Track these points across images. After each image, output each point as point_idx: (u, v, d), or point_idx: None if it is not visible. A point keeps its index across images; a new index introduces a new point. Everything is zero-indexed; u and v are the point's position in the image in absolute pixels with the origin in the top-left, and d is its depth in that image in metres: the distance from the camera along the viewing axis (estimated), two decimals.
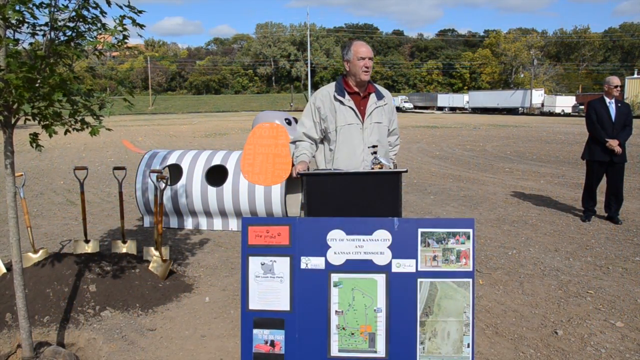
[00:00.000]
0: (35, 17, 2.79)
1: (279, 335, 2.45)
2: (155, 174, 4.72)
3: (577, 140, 18.85)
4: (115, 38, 2.99)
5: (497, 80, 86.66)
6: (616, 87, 6.50)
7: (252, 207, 6.26)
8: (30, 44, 3.02)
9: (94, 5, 2.96)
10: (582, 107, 47.40)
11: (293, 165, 3.39)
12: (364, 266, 2.44)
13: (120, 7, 2.94)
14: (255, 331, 2.47)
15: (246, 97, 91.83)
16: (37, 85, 2.74)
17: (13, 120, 2.88)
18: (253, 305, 2.48)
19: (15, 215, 2.96)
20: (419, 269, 2.42)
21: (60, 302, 3.85)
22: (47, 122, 2.94)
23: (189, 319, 3.89)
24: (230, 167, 6.37)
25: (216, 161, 6.48)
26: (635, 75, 49.72)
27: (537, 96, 55.21)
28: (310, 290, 2.45)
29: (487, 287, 4.49)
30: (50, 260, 4.17)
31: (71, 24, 2.91)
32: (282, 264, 2.46)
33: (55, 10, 2.82)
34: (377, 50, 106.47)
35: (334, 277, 2.45)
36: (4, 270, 4.27)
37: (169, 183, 5.90)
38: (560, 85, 76.69)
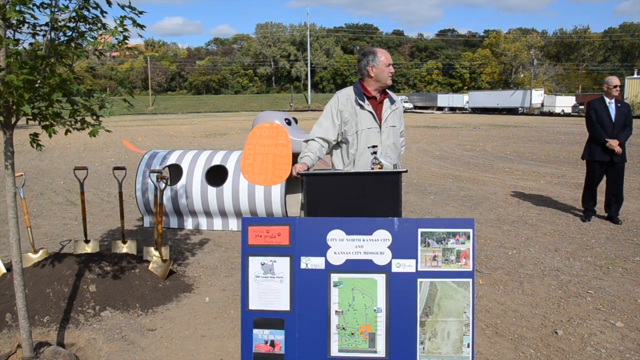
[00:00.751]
0: (35, 18, 2.79)
1: (279, 335, 2.45)
2: (155, 174, 4.72)
3: (577, 140, 18.85)
4: (116, 38, 2.99)
5: (497, 80, 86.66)
6: (615, 87, 6.50)
7: (252, 207, 6.26)
8: (31, 44, 3.02)
9: (95, 5, 2.96)
10: (582, 107, 47.40)
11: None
12: (364, 266, 2.44)
13: (122, 8, 2.94)
14: (255, 331, 2.47)
15: (246, 97, 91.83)
16: (37, 85, 2.74)
17: (13, 121, 2.88)
18: (253, 305, 2.48)
19: (15, 215, 2.96)
20: (419, 269, 2.43)
21: (60, 302, 3.85)
22: (47, 122, 2.94)
23: (189, 319, 3.89)
24: (230, 167, 6.37)
25: (216, 161, 6.48)
26: (635, 75, 49.72)
27: (537, 96, 55.19)
28: (310, 290, 2.45)
29: (487, 287, 4.49)
30: (50, 260, 4.17)
31: (71, 24, 2.91)
32: (282, 264, 2.47)
33: (56, 10, 2.82)
34: None
35: (334, 277, 2.45)
36: (4, 270, 4.27)
37: (169, 183, 5.90)
38: (560, 85, 76.68)
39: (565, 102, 52.86)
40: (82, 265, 4.16)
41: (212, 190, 6.31)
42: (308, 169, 3.23)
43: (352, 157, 3.46)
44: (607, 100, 6.55)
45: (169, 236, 6.19)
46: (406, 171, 3.08)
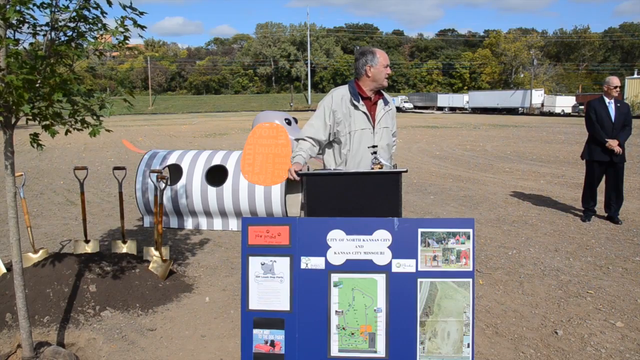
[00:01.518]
0: (35, 18, 2.79)
1: (279, 335, 2.46)
2: (155, 174, 4.72)
3: (577, 140, 18.85)
4: (116, 39, 2.99)
5: (497, 80, 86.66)
6: (615, 87, 6.50)
7: (252, 207, 6.26)
8: (31, 44, 3.02)
9: (95, 5, 2.96)
10: (582, 107, 47.39)
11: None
12: (364, 266, 2.44)
13: (123, 8, 2.94)
14: (255, 331, 2.47)
15: (246, 97, 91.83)
16: (37, 85, 2.74)
17: (13, 121, 2.88)
18: (253, 305, 2.48)
19: (15, 215, 2.96)
20: (419, 269, 2.43)
21: (60, 302, 3.85)
22: (48, 122, 2.94)
23: (189, 319, 3.89)
24: (230, 167, 6.37)
25: (216, 161, 6.48)
26: (635, 75, 49.74)
27: (537, 96, 55.20)
28: (310, 290, 2.45)
29: (487, 287, 4.49)
30: (50, 260, 4.17)
31: (72, 24, 2.91)
32: (282, 264, 2.47)
33: (56, 10, 2.82)
34: None
35: (334, 277, 2.45)
36: (4, 270, 4.27)
37: (169, 183, 5.90)
38: (560, 85, 76.69)
39: (565, 102, 52.87)
40: (82, 265, 4.16)
41: (212, 190, 6.31)
42: (308, 168, 3.24)
43: (344, 157, 3.44)
44: (606, 100, 6.55)
45: (169, 236, 6.19)
46: (406, 171, 3.08)
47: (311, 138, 3.44)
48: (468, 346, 2.41)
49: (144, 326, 3.76)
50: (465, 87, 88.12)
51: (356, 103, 3.40)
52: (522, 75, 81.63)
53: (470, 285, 2.42)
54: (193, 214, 6.50)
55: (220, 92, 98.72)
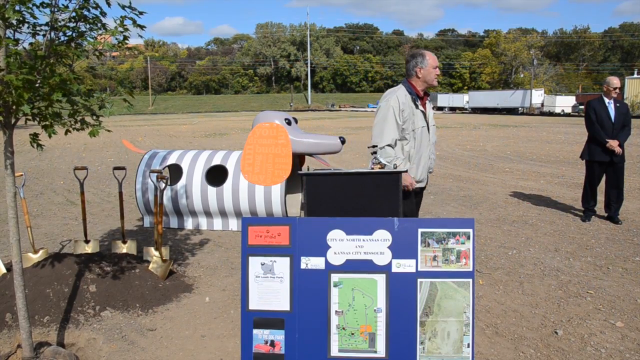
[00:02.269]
0: (34, 17, 2.79)
1: (279, 335, 2.45)
2: (155, 174, 4.72)
3: (577, 140, 18.85)
4: (116, 38, 2.99)
5: (497, 80, 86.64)
6: (615, 89, 6.48)
7: (252, 207, 6.26)
8: (31, 44, 3.02)
9: (95, 5, 2.96)
10: (582, 107, 47.38)
11: (392, 171, 3.45)
12: (364, 266, 2.44)
13: (122, 8, 2.94)
14: (255, 331, 2.47)
15: (246, 97, 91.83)
16: (37, 85, 2.74)
17: (13, 121, 2.88)
18: (253, 305, 2.48)
19: (15, 215, 2.96)
20: (419, 269, 2.42)
21: (60, 302, 3.85)
22: (47, 122, 2.94)
23: (189, 319, 3.89)
24: (230, 167, 6.37)
25: (216, 161, 6.48)
26: (635, 75, 49.72)
27: (537, 96, 55.17)
28: (310, 290, 2.45)
29: (487, 287, 4.49)
30: (50, 261, 4.17)
31: (71, 24, 2.91)
32: (282, 264, 2.46)
33: (56, 10, 2.82)
34: (377, 50, 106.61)
35: (334, 277, 2.45)
36: (4, 270, 4.27)
37: (169, 183, 5.90)
38: (560, 85, 76.68)
39: (565, 102, 52.84)
40: (82, 265, 4.16)
41: (212, 190, 6.31)
42: (308, 169, 3.24)
43: (406, 154, 3.63)
44: (606, 100, 6.55)
45: (169, 236, 6.19)
46: (406, 171, 3.09)
47: (390, 144, 3.57)
48: (468, 346, 2.41)
49: (144, 326, 3.76)
50: (465, 87, 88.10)
51: (416, 102, 3.63)
52: (522, 75, 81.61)
53: (470, 285, 2.42)
54: (193, 214, 6.50)
55: (220, 92, 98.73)
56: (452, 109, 63.65)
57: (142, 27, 3.01)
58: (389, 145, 3.56)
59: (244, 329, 2.48)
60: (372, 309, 2.43)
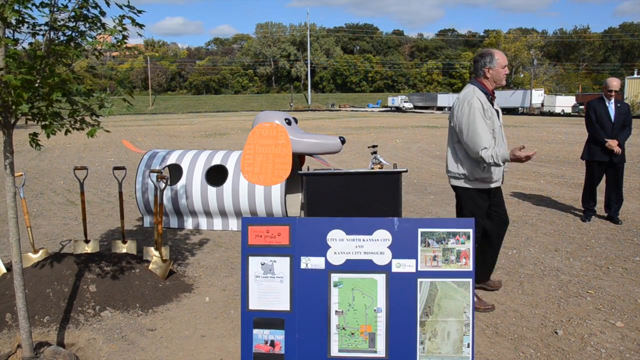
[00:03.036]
0: (32, 17, 2.79)
1: (279, 335, 2.45)
2: (155, 174, 4.72)
3: (577, 140, 18.85)
4: (115, 38, 2.99)
5: None
6: (610, 91, 6.45)
7: (252, 207, 6.26)
8: (30, 43, 3.01)
9: (94, 5, 2.96)
10: (582, 107, 47.39)
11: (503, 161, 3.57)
12: (364, 266, 2.44)
13: (120, 7, 2.94)
14: (255, 331, 2.47)
15: (246, 97, 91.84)
16: (36, 85, 2.74)
17: (12, 121, 2.88)
18: (253, 305, 2.48)
19: (15, 215, 2.96)
20: (419, 269, 2.42)
21: (60, 302, 3.85)
22: (47, 122, 2.93)
23: (189, 319, 3.89)
24: (230, 167, 6.36)
25: (216, 161, 6.48)
26: (635, 75, 49.73)
27: (537, 96, 55.17)
28: (310, 290, 2.45)
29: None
30: (50, 260, 4.17)
31: (71, 24, 2.90)
32: (282, 264, 2.46)
33: (55, 10, 2.82)
34: (377, 50, 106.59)
35: (334, 277, 2.44)
36: (4, 270, 4.27)
37: (168, 183, 5.90)
38: (560, 85, 76.67)
39: (565, 102, 52.84)
40: (82, 265, 4.16)
41: (212, 190, 6.30)
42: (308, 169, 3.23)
43: None
44: (606, 100, 6.55)
45: (169, 236, 6.19)
46: (406, 171, 3.09)
47: (489, 146, 3.60)
48: (468, 346, 2.41)
49: (144, 326, 3.76)
50: None
51: (491, 102, 3.73)
52: (522, 75, 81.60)
53: (470, 285, 2.42)
54: (193, 214, 6.50)
55: (220, 92, 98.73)
56: None
57: (141, 25, 3.01)
58: (485, 148, 3.60)
59: (244, 329, 2.48)
60: (372, 308, 2.43)
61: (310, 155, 6.00)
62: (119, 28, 2.94)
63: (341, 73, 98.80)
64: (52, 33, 2.85)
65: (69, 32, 2.93)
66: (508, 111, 54.94)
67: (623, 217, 6.76)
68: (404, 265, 2.43)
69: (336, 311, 2.44)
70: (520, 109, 55.25)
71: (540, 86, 63.86)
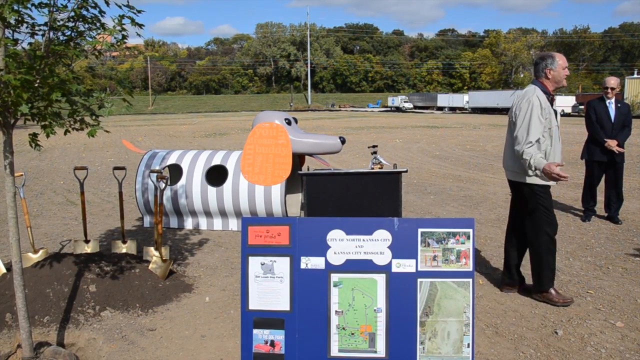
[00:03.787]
0: (32, 17, 2.79)
1: (279, 335, 2.45)
2: (155, 174, 4.72)
3: (577, 140, 18.84)
4: (115, 38, 2.99)
5: (497, 80, 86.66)
6: (607, 88, 6.46)
7: (252, 207, 6.26)
8: (30, 44, 3.01)
9: (93, 5, 2.96)
10: (582, 107, 47.39)
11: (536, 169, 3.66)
12: (364, 266, 2.44)
13: (120, 7, 2.94)
14: (255, 331, 2.47)
15: (246, 97, 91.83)
16: (36, 85, 2.74)
17: (12, 121, 2.88)
18: (253, 305, 2.48)
19: (15, 215, 2.96)
20: (419, 269, 2.42)
21: (60, 302, 3.84)
22: (46, 122, 2.93)
23: (189, 319, 3.89)
24: (230, 167, 6.36)
25: (216, 161, 6.48)
26: (635, 75, 49.70)
27: None
28: (310, 290, 2.45)
29: (487, 287, 4.49)
30: (50, 260, 4.16)
31: (70, 24, 2.90)
32: (282, 264, 2.46)
33: (55, 10, 2.82)
34: (377, 50, 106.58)
35: (334, 277, 2.44)
36: (4, 270, 4.27)
37: (168, 183, 5.90)
38: None
39: (565, 102, 52.81)
40: (82, 265, 4.16)
41: (212, 190, 6.30)
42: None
43: (543, 152, 3.78)
44: (606, 100, 6.55)
45: (169, 236, 6.19)
46: (406, 171, 3.09)
47: (535, 142, 3.68)
48: (468, 346, 2.41)
49: (144, 326, 3.76)
50: (465, 87, 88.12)
51: (551, 102, 3.82)
52: (522, 75, 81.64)
53: (470, 285, 2.42)
54: (193, 214, 6.50)
55: (220, 92, 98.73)
56: (452, 109, 63.61)
57: (140, 25, 3.00)
58: (536, 141, 3.71)
59: (244, 329, 2.48)
60: (372, 308, 2.43)
61: (310, 155, 6.00)
62: (119, 28, 2.94)
63: (341, 73, 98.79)
64: (51, 33, 2.85)
65: (69, 32, 2.93)
66: (508, 111, 54.88)
67: (623, 217, 6.76)
68: (404, 265, 2.43)
69: (336, 311, 2.44)
70: None
71: None
